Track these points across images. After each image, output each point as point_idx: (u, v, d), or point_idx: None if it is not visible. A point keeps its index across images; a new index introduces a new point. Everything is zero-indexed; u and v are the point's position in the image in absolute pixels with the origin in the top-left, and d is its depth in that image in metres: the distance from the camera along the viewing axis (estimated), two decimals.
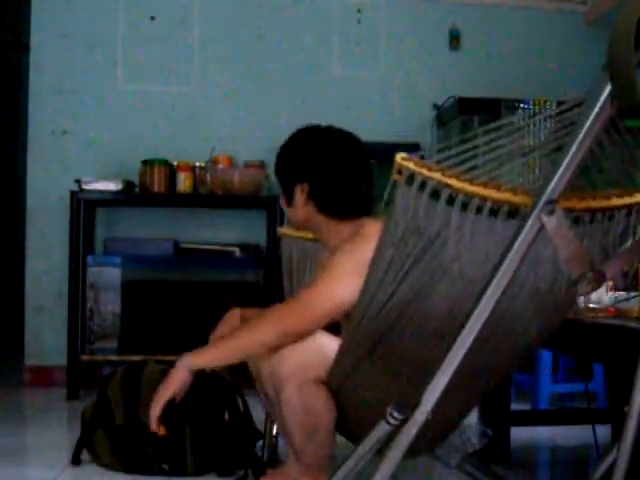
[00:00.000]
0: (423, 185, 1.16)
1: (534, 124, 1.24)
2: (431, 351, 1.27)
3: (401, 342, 1.43)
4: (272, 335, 1.69)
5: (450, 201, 1.16)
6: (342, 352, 1.58)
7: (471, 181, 1.15)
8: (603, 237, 1.20)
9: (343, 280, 1.63)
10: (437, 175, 1.15)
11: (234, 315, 2.10)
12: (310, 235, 2.15)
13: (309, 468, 1.77)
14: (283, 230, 2.33)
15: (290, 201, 1.89)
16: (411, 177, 1.15)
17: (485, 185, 1.15)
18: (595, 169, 1.16)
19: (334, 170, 1.84)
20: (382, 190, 1.23)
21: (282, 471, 1.98)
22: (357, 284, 1.41)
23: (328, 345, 1.68)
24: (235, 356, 1.78)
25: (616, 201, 1.16)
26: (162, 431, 1.96)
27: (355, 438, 1.73)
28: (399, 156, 1.16)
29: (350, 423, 1.72)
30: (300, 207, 1.87)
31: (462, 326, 1.10)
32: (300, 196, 1.86)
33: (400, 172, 1.16)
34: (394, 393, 1.24)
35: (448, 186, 1.15)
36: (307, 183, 1.84)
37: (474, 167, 1.15)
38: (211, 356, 1.79)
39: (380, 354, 1.49)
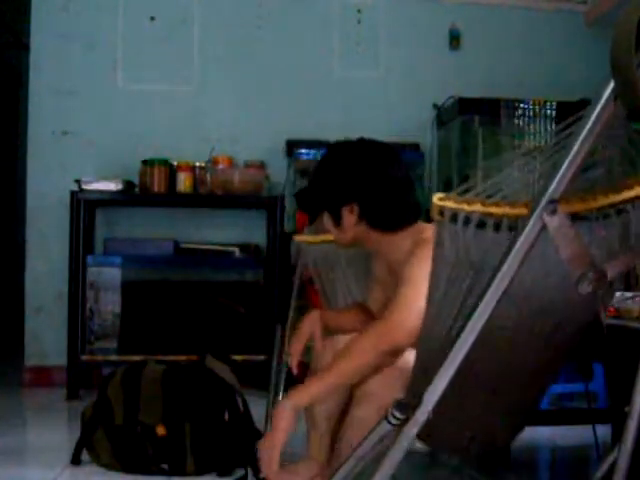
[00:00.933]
0: (467, 220, 1.17)
1: (560, 141, 1.24)
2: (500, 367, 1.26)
3: (470, 360, 1.41)
4: (372, 357, 1.66)
5: (497, 227, 1.17)
6: (414, 373, 1.56)
7: (513, 204, 1.16)
8: (604, 236, 1.20)
9: (425, 290, 1.60)
10: (479, 207, 1.16)
11: (314, 315, 2.03)
12: (327, 237, 2.12)
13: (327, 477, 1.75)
14: (300, 238, 2.32)
15: (338, 223, 1.84)
16: (454, 215, 1.16)
17: (527, 205, 1.16)
18: (599, 169, 1.16)
19: (381, 186, 1.80)
20: None
21: (291, 469, 1.96)
22: None
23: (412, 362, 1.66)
24: (338, 385, 1.72)
25: (615, 197, 1.16)
26: (162, 431, 1.96)
27: None
28: (436, 197, 1.17)
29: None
30: (350, 228, 1.83)
31: (463, 326, 1.10)
32: (349, 217, 1.81)
33: (441, 213, 1.17)
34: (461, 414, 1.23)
35: (491, 215, 1.16)
36: (356, 204, 1.80)
37: (511, 193, 1.17)
38: (317, 390, 1.70)
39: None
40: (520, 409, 1.64)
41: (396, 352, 1.66)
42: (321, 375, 1.73)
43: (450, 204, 1.16)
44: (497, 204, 1.16)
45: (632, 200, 1.11)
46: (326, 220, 1.89)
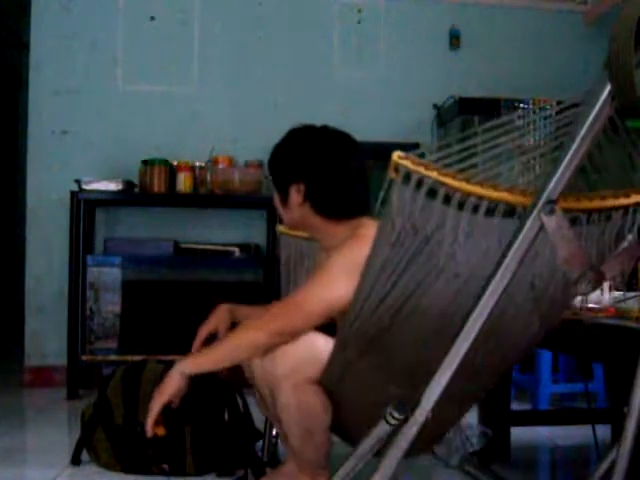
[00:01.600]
0: (419, 184, 1.15)
1: (533, 123, 1.24)
2: (427, 351, 1.27)
3: (396, 342, 1.43)
4: (263, 336, 1.69)
5: (446, 200, 1.16)
6: (336, 352, 1.58)
7: (468, 180, 1.14)
8: (601, 237, 1.20)
9: (337, 280, 1.63)
10: (434, 174, 1.14)
11: (222, 310, 2.10)
12: (307, 234, 2.14)
13: (306, 468, 1.77)
14: (281, 229, 2.33)
15: (285, 201, 1.88)
16: (407, 176, 1.15)
17: (482, 184, 1.15)
18: (593, 169, 1.16)
19: (331, 171, 1.83)
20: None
21: (281, 471, 1.98)
22: (352, 284, 1.40)
23: (321, 345, 1.68)
24: (229, 359, 1.77)
25: (612, 202, 1.16)
26: (162, 431, 1.96)
27: (350, 438, 1.73)
28: (396, 154, 1.15)
29: (345, 423, 1.72)
30: (295, 207, 1.86)
31: (463, 325, 1.10)
32: (296, 196, 1.84)
33: (397, 170, 1.15)
34: (389, 393, 1.24)
35: (445, 185, 1.15)
36: (303, 184, 1.83)
37: (472, 166, 1.15)
38: (205, 360, 1.79)
39: (374, 354, 1.49)
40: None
41: (292, 333, 1.68)
42: (214, 347, 1.82)
43: (407, 163, 1.15)
44: (454, 176, 1.15)
45: (627, 207, 1.11)
46: (275, 197, 1.93)
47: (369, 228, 1.71)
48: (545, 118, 1.21)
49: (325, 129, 1.90)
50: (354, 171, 1.85)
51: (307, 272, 2.17)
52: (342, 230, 1.83)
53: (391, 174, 1.16)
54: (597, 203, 1.17)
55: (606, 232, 1.18)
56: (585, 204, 1.17)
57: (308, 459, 1.75)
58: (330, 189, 1.83)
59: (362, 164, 1.88)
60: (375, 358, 1.50)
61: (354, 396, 1.65)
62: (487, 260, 1.17)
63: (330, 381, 1.65)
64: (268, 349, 1.70)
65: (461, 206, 1.16)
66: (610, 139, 1.11)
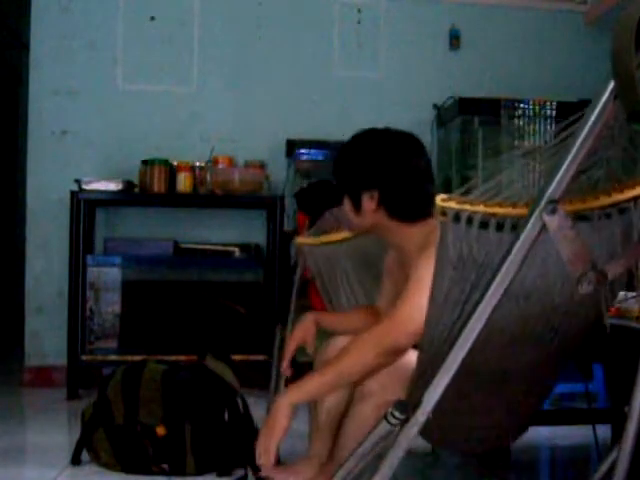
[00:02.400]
0: (470, 220, 1.17)
1: (561, 141, 1.25)
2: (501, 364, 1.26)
3: (471, 361, 1.41)
4: (372, 356, 1.63)
5: (499, 227, 1.17)
6: (416, 377, 1.55)
7: (515, 204, 1.16)
8: (604, 236, 1.20)
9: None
10: (481, 208, 1.16)
11: (307, 320, 2.05)
12: (330, 239, 2.13)
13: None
14: (301, 240, 2.31)
15: (357, 208, 1.84)
16: (457, 216, 1.17)
17: (528, 205, 1.16)
18: (597, 166, 1.16)
19: (403, 174, 1.80)
20: None
21: (293, 468, 1.96)
22: None
23: (413, 363, 1.64)
24: (336, 383, 1.70)
25: (619, 196, 1.16)
26: (162, 431, 1.96)
27: None
28: (439, 198, 1.18)
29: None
30: (369, 214, 1.82)
31: (463, 326, 1.10)
32: (369, 203, 1.81)
33: (444, 213, 1.17)
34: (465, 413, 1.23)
35: (494, 215, 1.16)
36: (377, 190, 1.79)
37: (513, 194, 1.17)
38: (312, 388, 1.69)
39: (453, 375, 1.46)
40: (522, 409, 1.64)
41: (397, 352, 1.64)
42: (320, 372, 1.71)
43: (453, 204, 1.17)
44: (499, 204, 1.17)
45: (635, 199, 1.11)
46: (345, 204, 1.88)
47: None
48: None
49: (388, 131, 1.87)
50: (422, 171, 1.83)
51: (343, 276, 2.14)
52: (416, 231, 1.80)
53: (440, 218, 1.18)
54: (603, 200, 1.17)
55: (613, 230, 1.19)
56: (592, 203, 1.17)
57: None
58: (403, 193, 1.80)
59: (428, 162, 1.86)
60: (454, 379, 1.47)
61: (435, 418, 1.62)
62: (549, 274, 1.19)
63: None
64: (375, 370, 1.66)
65: (514, 228, 1.17)
66: (616, 140, 1.11)
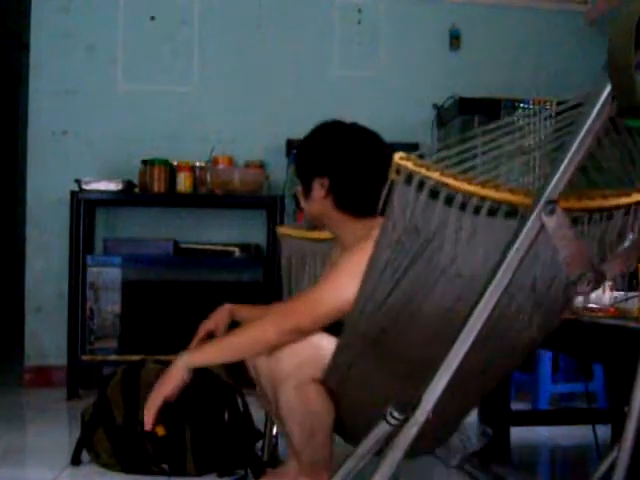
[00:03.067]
0: (421, 185, 1.15)
1: (534, 124, 1.24)
2: (429, 350, 1.27)
3: (399, 341, 1.43)
4: (273, 332, 1.68)
5: (448, 201, 1.16)
6: (339, 352, 1.58)
7: (469, 180, 1.14)
8: (601, 237, 1.20)
9: (348, 282, 1.62)
10: (435, 174, 1.14)
11: (222, 310, 2.10)
12: (309, 235, 2.14)
13: (308, 468, 1.76)
14: (282, 230, 2.32)
15: (307, 193, 1.88)
16: (409, 177, 1.15)
17: (484, 185, 1.15)
18: (594, 169, 1.16)
19: (356, 167, 1.82)
20: None
21: (282, 471, 1.98)
22: None
23: (325, 345, 1.67)
24: (235, 354, 1.77)
25: (613, 201, 1.16)
26: (162, 431, 1.96)
27: (352, 439, 1.73)
28: (397, 155, 1.16)
29: (347, 424, 1.71)
30: (317, 201, 1.86)
31: (463, 325, 1.10)
32: (319, 190, 1.84)
33: (398, 171, 1.16)
34: (391, 393, 1.24)
35: (446, 185, 1.15)
36: (327, 178, 1.83)
37: (473, 167, 1.15)
38: (210, 354, 1.78)
39: (377, 353, 1.49)
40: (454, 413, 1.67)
41: (300, 332, 1.67)
42: (219, 342, 1.82)
43: (408, 164, 1.15)
44: (455, 176, 1.15)
45: (630, 206, 1.11)
46: (297, 189, 1.93)
47: None
48: (546, 119, 1.21)
49: (353, 126, 1.90)
50: (377, 169, 1.83)
51: (311, 273, 2.16)
52: (360, 228, 1.82)
53: (392, 175, 1.16)
54: (599, 202, 1.17)
55: (608, 232, 1.18)
56: (587, 204, 1.17)
57: (309, 459, 1.74)
58: (353, 186, 1.83)
59: (386, 164, 1.87)
60: (378, 358, 1.50)
61: (357, 396, 1.64)
62: (489, 261, 1.17)
63: (333, 381, 1.65)
64: (275, 347, 1.69)
65: (463, 207, 1.16)
66: (612, 138, 1.11)
